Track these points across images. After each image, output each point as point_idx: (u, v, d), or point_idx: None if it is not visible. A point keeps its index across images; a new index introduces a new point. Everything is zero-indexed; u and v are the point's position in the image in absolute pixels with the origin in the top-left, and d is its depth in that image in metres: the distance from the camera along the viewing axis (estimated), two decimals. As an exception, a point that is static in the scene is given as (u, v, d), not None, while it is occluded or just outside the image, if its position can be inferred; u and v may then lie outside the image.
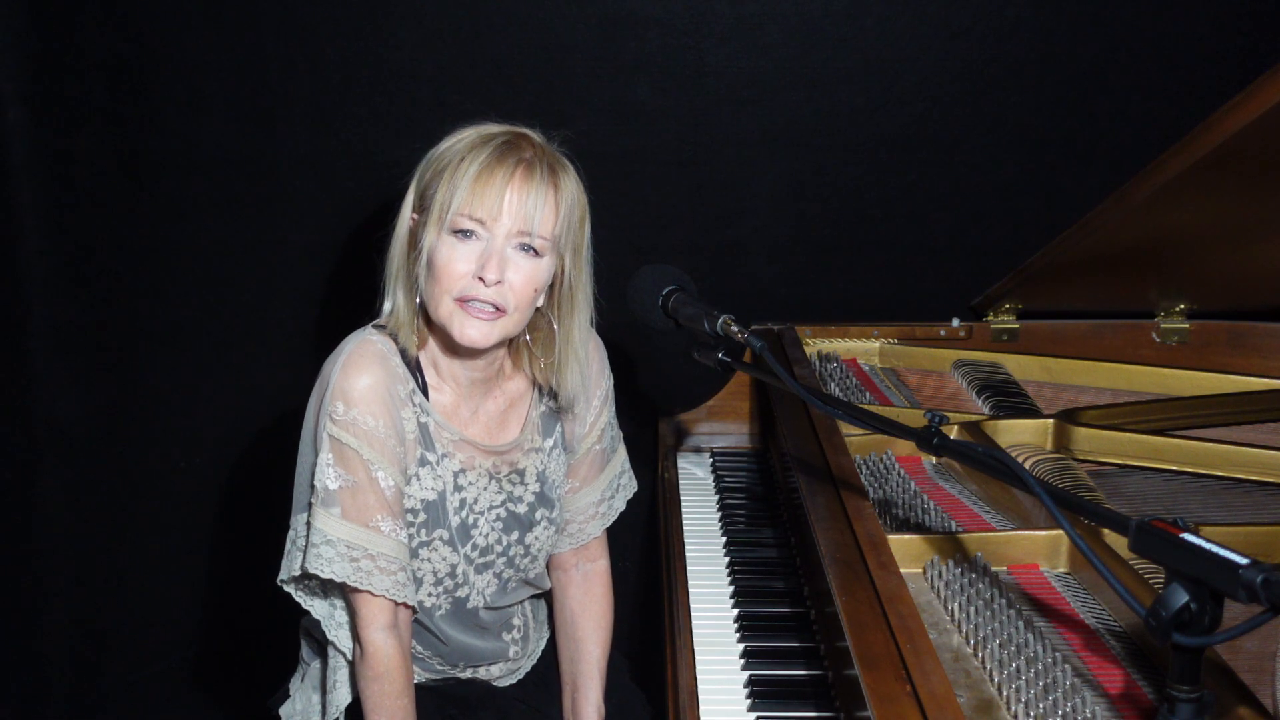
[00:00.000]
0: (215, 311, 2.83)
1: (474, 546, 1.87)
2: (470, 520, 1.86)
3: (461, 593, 1.89)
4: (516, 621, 2.01)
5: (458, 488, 1.84)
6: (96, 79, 2.71)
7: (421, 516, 1.82)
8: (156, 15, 2.68)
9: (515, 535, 1.91)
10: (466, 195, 1.70)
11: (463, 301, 1.73)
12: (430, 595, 1.87)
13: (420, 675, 1.96)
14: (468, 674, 1.98)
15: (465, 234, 1.72)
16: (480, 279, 1.71)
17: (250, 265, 2.81)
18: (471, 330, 1.73)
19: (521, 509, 1.91)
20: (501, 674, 2.02)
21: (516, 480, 1.90)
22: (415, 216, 1.78)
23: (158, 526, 2.94)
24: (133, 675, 3.02)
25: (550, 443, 1.94)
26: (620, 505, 2.07)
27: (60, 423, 2.88)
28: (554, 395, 1.91)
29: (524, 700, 2.04)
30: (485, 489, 1.87)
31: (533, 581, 1.98)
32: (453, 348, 1.80)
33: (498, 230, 1.71)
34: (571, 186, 1.77)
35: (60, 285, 2.81)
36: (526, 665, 2.07)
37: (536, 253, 1.74)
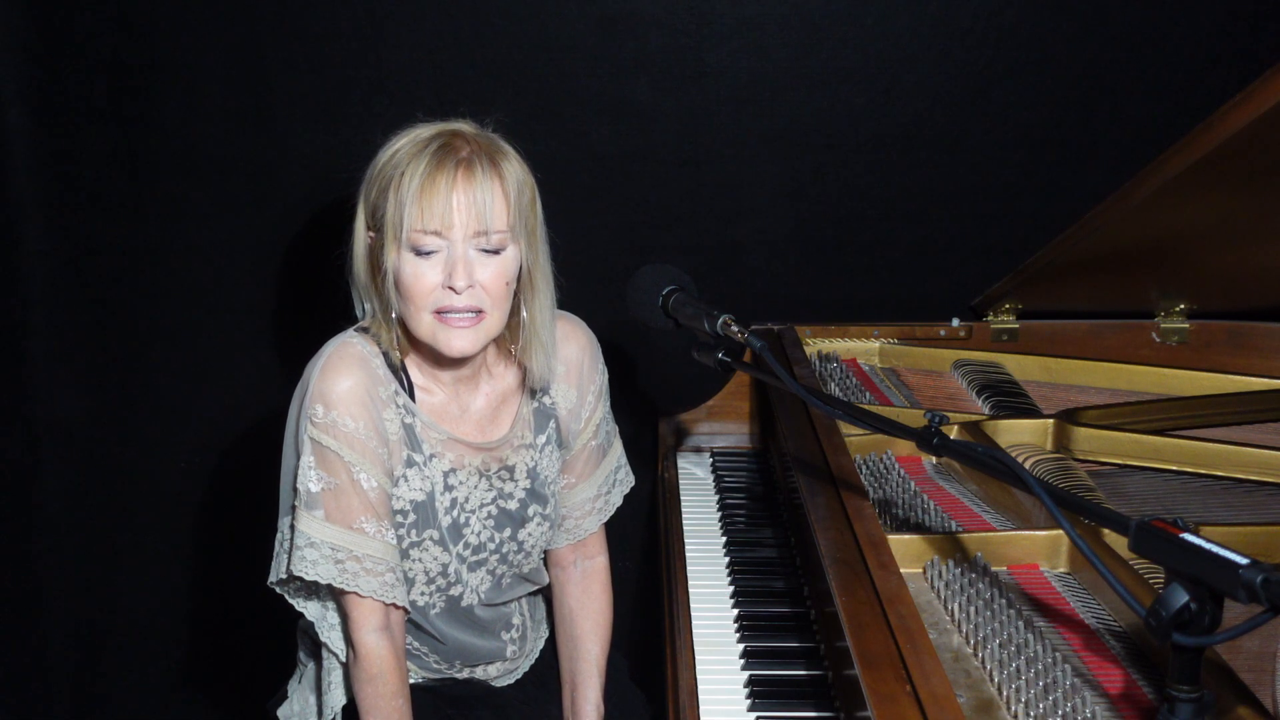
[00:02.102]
0: (215, 311, 2.83)
1: (466, 545, 1.87)
2: (462, 519, 1.86)
3: (455, 591, 1.89)
4: (515, 621, 2.01)
5: (448, 487, 1.84)
6: (96, 79, 2.71)
7: (411, 518, 1.82)
8: (156, 15, 2.68)
9: (508, 532, 1.90)
10: (415, 211, 1.69)
11: (440, 314, 1.73)
12: (423, 594, 1.87)
13: (418, 675, 1.96)
14: (465, 674, 1.98)
15: (425, 250, 1.71)
16: (451, 288, 1.71)
17: (250, 265, 2.81)
18: (457, 341, 1.74)
19: (512, 505, 1.90)
20: (499, 674, 2.02)
21: (506, 476, 1.90)
22: (371, 235, 1.78)
23: (158, 527, 2.95)
24: (132, 675, 3.02)
25: (543, 439, 1.93)
26: (617, 500, 2.07)
27: (60, 423, 2.88)
28: (530, 385, 1.91)
29: (522, 700, 2.04)
30: (476, 487, 1.87)
31: (528, 576, 1.98)
32: (438, 358, 1.80)
33: (454, 237, 1.71)
34: (515, 171, 1.75)
35: (60, 285, 2.81)
36: (524, 665, 2.07)
37: (498, 249, 1.74)
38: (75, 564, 2.95)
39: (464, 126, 1.77)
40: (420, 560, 1.84)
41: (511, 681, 2.05)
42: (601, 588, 2.07)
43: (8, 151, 2.71)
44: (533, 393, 1.92)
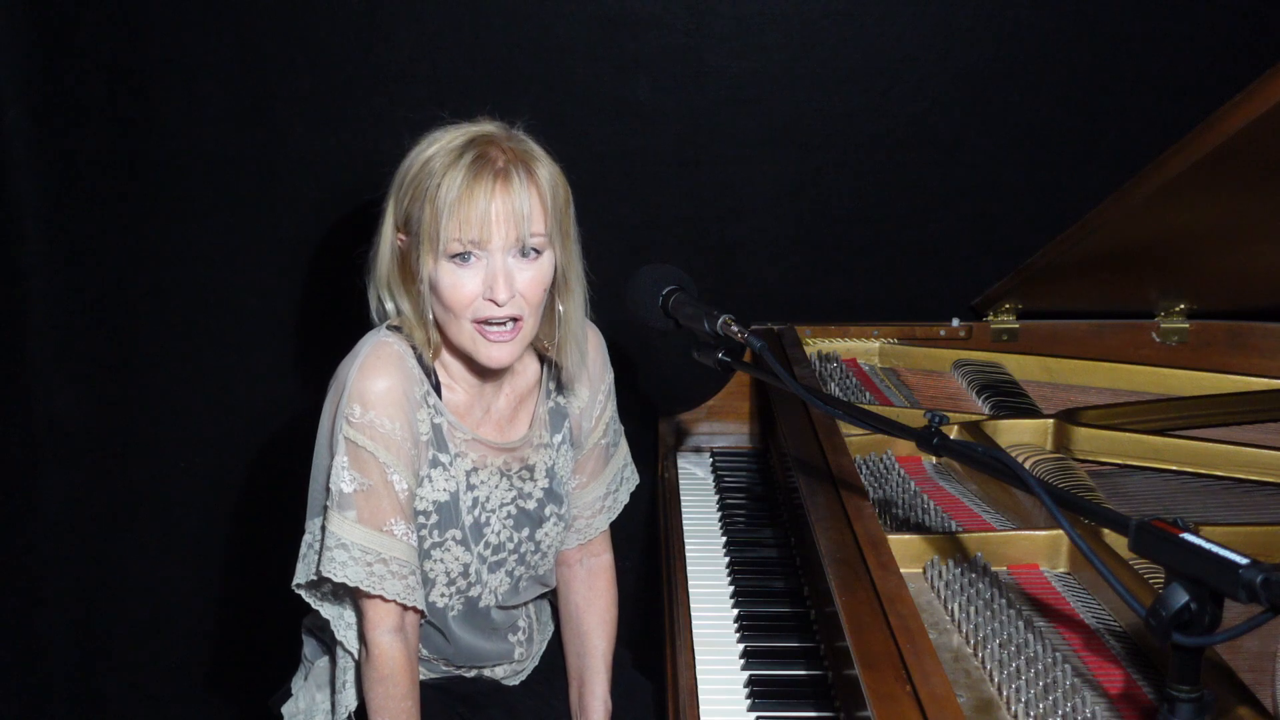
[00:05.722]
0: (215, 312, 2.83)
1: (486, 545, 1.88)
2: (483, 519, 1.87)
3: (474, 592, 1.90)
4: (522, 624, 2.02)
5: (470, 486, 1.85)
6: (96, 79, 2.71)
7: (434, 518, 1.82)
8: (156, 15, 2.68)
9: (526, 532, 1.92)
10: (454, 222, 1.69)
11: (479, 324, 1.74)
12: (443, 596, 1.87)
13: (425, 674, 1.96)
14: (473, 674, 1.99)
15: (463, 257, 1.72)
16: (492, 300, 1.72)
17: (250, 265, 2.81)
18: (495, 352, 1.75)
19: (531, 505, 1.92)
20: (506, 674, 2.03)
21: (526, 476, 1.91)
22: (403, 238, 1.78)
23: (158, 527, 2.94)
24: (132, 675, 3.02)
25: (559, 439, 1.95)
26: (624, 498, 2.09)
27: (60, 423, 2.88)
28: (557, 380, 1.92)
29: (531, 696, 2.04)
30: (497, 487, 1.88)
31: (542, 578, 1.99)
32: (473, 365, 1.80)
33: (493, 248, 1.71)
34: (549, 175, 1.76)
35: (60, 285, 2.81)
36: (530, 665, 2.07)
37: (537, 252, 1.75)
38: (75, 564, 2.95)
39: (494, 130, 1.76)
40: (442, 561, 1.85)
41: (518, 681, 2.05)
42: (607, 584, 2.08)
43: (8, 151, 2.71)
44: (548, 392, 1.93)
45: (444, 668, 1.96)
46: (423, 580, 1.84)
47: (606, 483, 2.05)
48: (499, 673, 2.01)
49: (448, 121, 1.78)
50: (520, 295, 1.73)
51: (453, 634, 1.91)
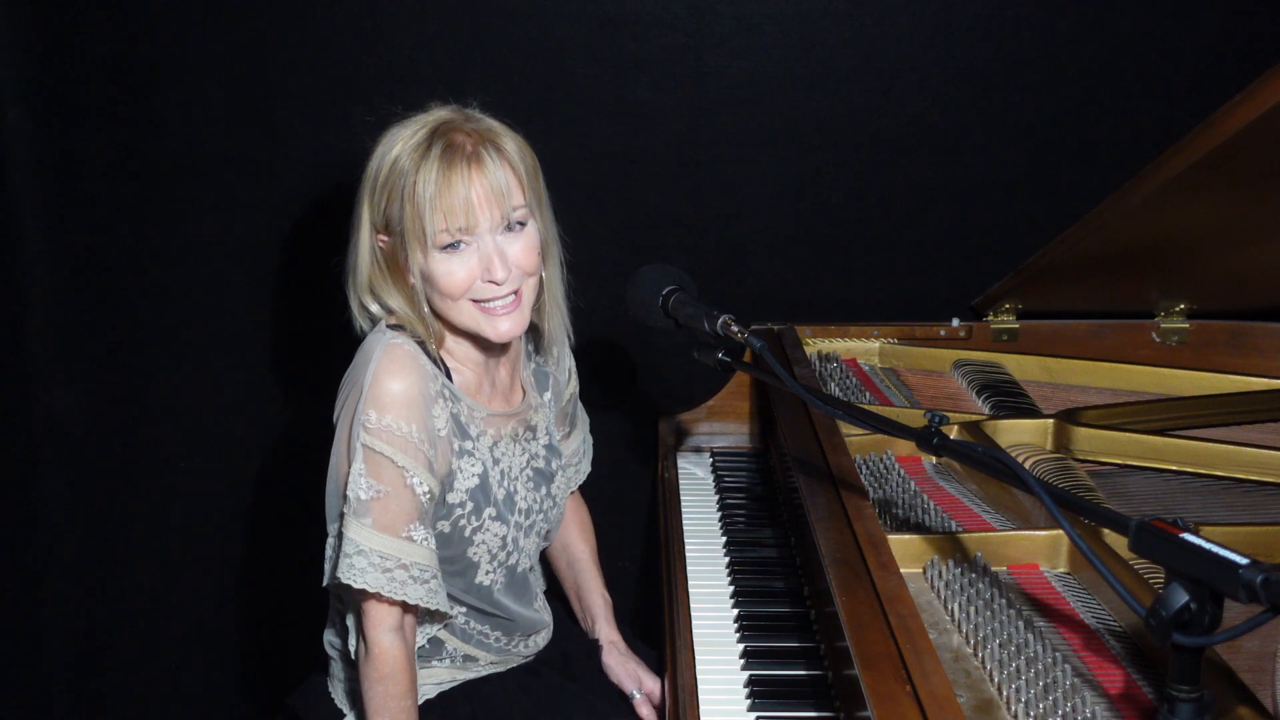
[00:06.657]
0: (215, 312, 2.83)
1: (519, 511, 1.92)
2: (511, 489, 1.91)
3: (513, 560, 1.93)
4: (537, 590, 2.06)
5: (495, 460, 1.88)
6: (96, 79, 2.71)
7: (469, 506, 1.84)
8: (156, 15, 2.68)
9: (544, 490, 1.97)
10: (438, 215, 1.72)
11: (481, 304, 1.77)
12: (487, 574, 1.90)
13: (487, 661, 1.97)
14: (522, 648, 2.01)
15: (454, 245, 1.74)
16: (491, 281, 1.75)
17: (250, 265, 2.80)
18: (503, 325, 1.78)
19: (541, 463, 1.97)
20: (543, 643, 2.07)
21: (530, 437, 1.96)
22: (385, 240, 1.79)
23: (158, 527, 2.94)
24: (132, 676, 3.02)
25: (548, 396, 2.02)
26: (591, 440, 2.20)
27: (60, 423, 2.88)
28: (535, 344, 1.98)
29: (550, 661, 2.07)
30: (514, 455, 1.92)
31: (551, 531, 2.06)
32: (478, 342, 1.83)
33: (481, 231, 1.74)
34: (515, 147, 1.79)
35: (60, 285, 2.81)
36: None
37: (522, 224, 1.78)
38: (75, 564, 2.95)
39: (451, 115, 1.79)
40: (484, 543, 1.87)
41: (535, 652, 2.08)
42: (576, 499, 2.20)
43: (8, 151, 2.71)
44: (529, 355, 2.00)
45: (497, 645, 1.96)
46: (466, 566, 1.86)
47: (582, 432, 2.15)
48: (539, 642, 2.05)
49: (402, 116, 1.79)
50: (516, 268, 1.77)
51: (506, 608, 1.94)
